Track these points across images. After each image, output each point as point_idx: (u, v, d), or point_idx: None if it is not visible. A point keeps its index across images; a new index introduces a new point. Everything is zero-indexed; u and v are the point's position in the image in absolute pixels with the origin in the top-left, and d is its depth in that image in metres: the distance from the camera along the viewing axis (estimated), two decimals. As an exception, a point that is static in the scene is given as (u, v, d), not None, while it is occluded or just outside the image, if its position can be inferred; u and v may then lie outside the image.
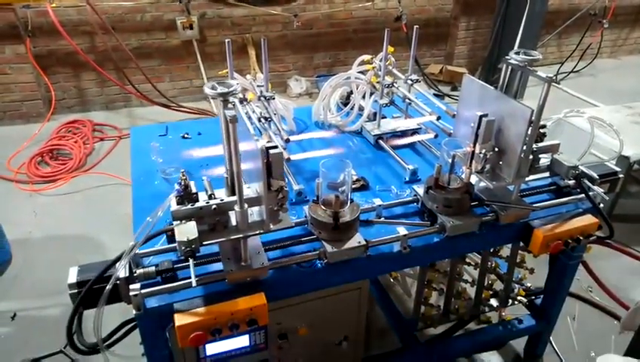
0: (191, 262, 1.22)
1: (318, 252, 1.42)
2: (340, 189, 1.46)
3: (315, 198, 1.47)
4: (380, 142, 2.08)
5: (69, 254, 2.99)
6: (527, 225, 1.61)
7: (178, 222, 1.24)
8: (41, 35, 4.48)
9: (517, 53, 1.49)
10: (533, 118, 1.40)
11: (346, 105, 2.28)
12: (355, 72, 2.20)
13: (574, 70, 6.25)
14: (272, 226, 1.28)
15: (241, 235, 1.27)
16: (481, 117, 1.49)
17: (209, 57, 5.05)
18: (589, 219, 1.64)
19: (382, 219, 1.59)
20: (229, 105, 1.18)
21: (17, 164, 3.94)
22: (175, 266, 1.36)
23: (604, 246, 1.99)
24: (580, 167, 1.67)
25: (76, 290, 1.30)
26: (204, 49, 5.00)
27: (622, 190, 3.03)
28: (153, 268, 1.34)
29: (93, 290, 1.26)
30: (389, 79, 2.06)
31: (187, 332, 1.25)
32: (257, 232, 1.29)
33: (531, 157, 1.50)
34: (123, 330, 1.52)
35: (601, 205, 1.71)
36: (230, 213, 1.29)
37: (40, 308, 2.63)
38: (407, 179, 1.85)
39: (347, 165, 1.41)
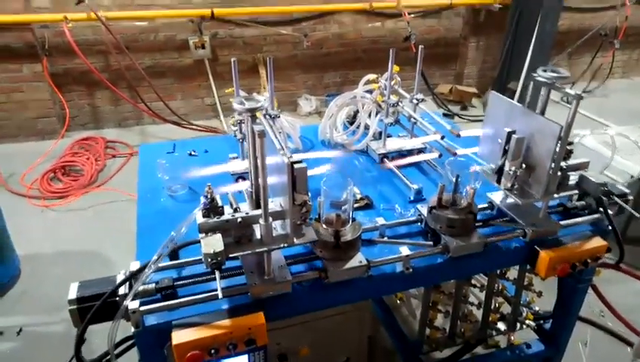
0: (217, 274, 1.23)
1: (318, 271, 1.41)
2: (342, 208, 1.45)
3: (317, 216, 1.47)
4: (386, 161, 2.07)
5: (78, 270, 3.01)
6: (532, 247, 1.58)
7: (204, 234, 1.25)
8: (58, 54, 4.61)
9: (545, 70, 1.50)
10: (562, 134, 1.39)
11: (352, 123, 2.29)
12: (361, 91, 2.21)
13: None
14: (295, 240, 1.29)
15: (265, 248, 1.29)
16: (509, 134, 1.49)
17: (220, 76, 5.13)
18: (597, 242, 1.60)
19: (385, 238, 1.58)
20: (257, 121, 1.22)
21: (30, 180, 4.02)
22: (175, 284, 1.36)
23: (614, 270, 1.94)
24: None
25: (76, 306, 1.29)
26: (216, 68, 5.09)
27: (636, 210, 2.97)
28: (153, 286, 1.34)
29: (104, 304, 1.27)
30: (394, 98, 2.07)
31: (184, 351, 1.24)
32: (281, 246, 1.29)
33: (560, 173, 1.50)
34: (121, 347, 1.51)
35: (609, 227, 1.68)
36: (254, 226, 1.30)
37: (46, 324, 2.64)
38: (412, 198, 1.83)
39: (349, 183, 1.41)
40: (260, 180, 1.23)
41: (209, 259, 1.21)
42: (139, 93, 4.68)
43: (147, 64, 4.91)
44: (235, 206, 1.32)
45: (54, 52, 4.59)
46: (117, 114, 5.11)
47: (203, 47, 4.91)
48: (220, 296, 1.22)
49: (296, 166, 1.19)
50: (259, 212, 1.26)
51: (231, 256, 1.25)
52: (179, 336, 1.24)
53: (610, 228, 1.69)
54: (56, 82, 4.64)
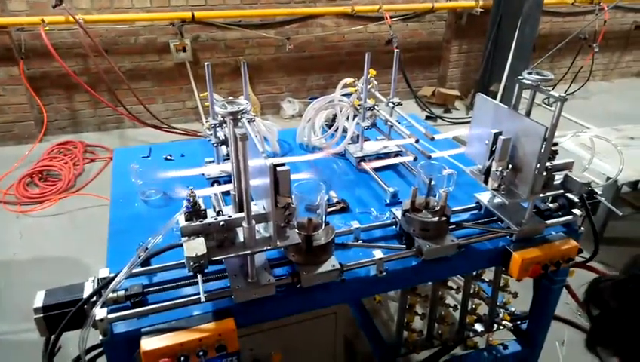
0: (199, 277, 1.23)
1: (291, 275, 1.40)
2: (316, 212, 1.44)
3: (290, 221, 1.46)
4: (362, 164, 2.07)
5: (54, 276, 2.91)
6: (505, 249, 1.59)
7: (186, 238, 1.24)
8: (35, 57, 4.53)
9: (530, 73, 1.53)
10: (547, 135, 1.42)
11: (331, 127, 2.28)
12: (338, 94, 2.21)
13: (567, 93, 6.31)
14: (279, 243, 1.28)
15: (248, 251, 1.28)
16: (496, 135, 1.52)
17: (202, 79, 5.09)
18: (569, 243, 1.62)
19: (359, 242, 1.58)
20: (239, 124, 1.22)
21: (6, 186, 3.94)
22: (145, 290, 1.34)
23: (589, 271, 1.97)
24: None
25: (41, 315, 1.27)
26: (198, 71, 5.05)
27: (611, 213, 3.01)
28: (123, 292, 1.31)
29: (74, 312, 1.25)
30: (370, 102, 2.07)
31: (154, 359, 1.22)
32: (264, 248, 1.29)
33: (545, 174, 1.53)
34: (89, 355, 1.47)
35: (582, 228, 1.70)
36: (238, 229, 1.30)
37: (19, 332, 2.58)
38: (388, 201, 1.84)
39: (321, 188, 1.40)
40: (242, 183, 1.23)
41: (191, 263, 1.20)
42: (118, 96, 4.62)
43: (127, 67, 4.85)
44: (218, 209, 1.32)
45: (32, 55, 4.51)
46: (96, 117, 5.04)
47: (184, 50, 4.88)
48: (203, 299, 1.21)
49: (279, 169, 1.20)
50: (242, 215, 1.26)
51: (214, 259, 1.25)
52: (148, 344, 1.22)
53: (582, 229, 1.72)
54: (33, 85, 4.57)
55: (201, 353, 1.25)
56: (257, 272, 1.35)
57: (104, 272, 1.36)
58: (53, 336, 1.28)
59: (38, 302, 1.29)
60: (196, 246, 1.21)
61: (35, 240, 3.35)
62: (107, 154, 4.53)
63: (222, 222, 1.25)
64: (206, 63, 1.72)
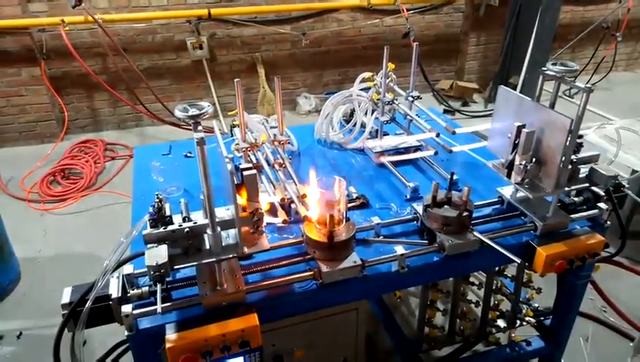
0: (158, 287, 1.20)
1: (312, 272, 1.40)
2: (335, 208, 1.44)
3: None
4: (382, 159, 2.06)
5: (77, 273, 2.97)
6: (529, 244, 1.56)
7: (152, 245, 1.22)
8: (56, 57, 4.61)
9: (554, 64, 1.51)
10: (572, 127, 1.39)
11: (349, 122, 2.27)
12: (356, 89, 2.19)
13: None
14: (246, 250, 1.26)
15: (213, 259, 1.25)
16: (519, 128, 1.49)
17: (219, 76, 5.11)
18: (595, 238, 1.58)
19: (380, 238, 1.57)
20: (199, 128, 1.18)
21: (30, 184, 4.02)
22: (170, 286, 1.35)
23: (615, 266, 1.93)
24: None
25: (69, 311, 1.30)
26: (215, 68, 5.07)
27: (637, 206, 2.94)
28: (147, 289, 1.33)
29: (77, 312, 1.27)
30: (389, 96, 2.05)
31: (178, 354, 1.23)
32: (230, 256, 1.26)
33: (570, 167, 1.51)
34: (118, 351, 1.50)
35: (608, 223, 1.66)
36: (205, 236, 1.26)
37: (46, 327, 2.64)
38: (408, 196, 1.82)
39: (342, 183, 1.40)
40: (204, 189, 1.19)
41: (152, 272, 1.17)
42: (136, 94, 4.67)
43: (145, 65, 4.90)
44: (184, 215, 1.28)
45: (52, 55, 4.58)
46: (116, 116, 5.11)
47: (201, 47, 4.90)
48: (159, 310, 1.18)
49: (245, 173, 1.18)
50: (207, 221, 1.22)
51: (177, 267, 1.22)
52: (172, 339, 1.24)
53: (609, 223, 1.68)
54: (54, 85, 4.64)
55: (224, 348, 1.26)
56: (227, 279, 1.31)
57: (129, 269, 1.38)
58: (76, 331, 1.30)
59: (66, 298, 1.31)
60: (158, 255, 1.18)
61: (59, 237, 3.41)
62: (127, 152, 4.59)
63: (186, 229, 1.22)
64: (236, 80, 1.63)
